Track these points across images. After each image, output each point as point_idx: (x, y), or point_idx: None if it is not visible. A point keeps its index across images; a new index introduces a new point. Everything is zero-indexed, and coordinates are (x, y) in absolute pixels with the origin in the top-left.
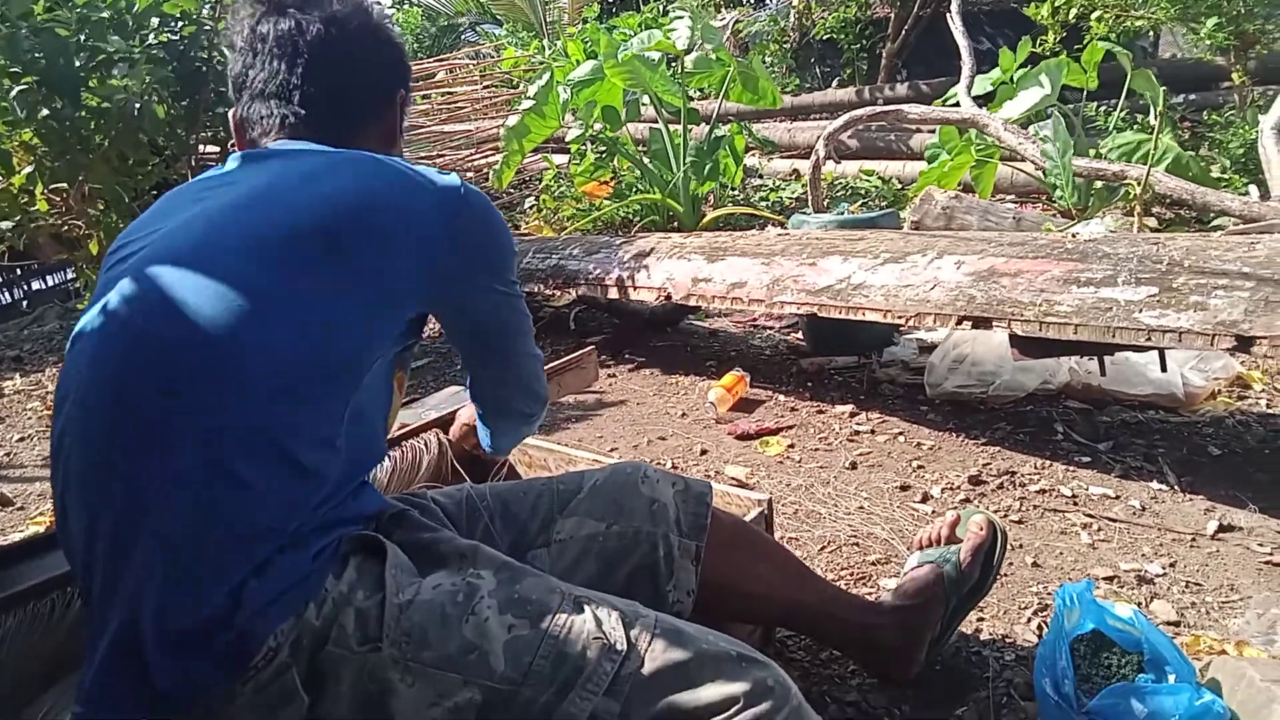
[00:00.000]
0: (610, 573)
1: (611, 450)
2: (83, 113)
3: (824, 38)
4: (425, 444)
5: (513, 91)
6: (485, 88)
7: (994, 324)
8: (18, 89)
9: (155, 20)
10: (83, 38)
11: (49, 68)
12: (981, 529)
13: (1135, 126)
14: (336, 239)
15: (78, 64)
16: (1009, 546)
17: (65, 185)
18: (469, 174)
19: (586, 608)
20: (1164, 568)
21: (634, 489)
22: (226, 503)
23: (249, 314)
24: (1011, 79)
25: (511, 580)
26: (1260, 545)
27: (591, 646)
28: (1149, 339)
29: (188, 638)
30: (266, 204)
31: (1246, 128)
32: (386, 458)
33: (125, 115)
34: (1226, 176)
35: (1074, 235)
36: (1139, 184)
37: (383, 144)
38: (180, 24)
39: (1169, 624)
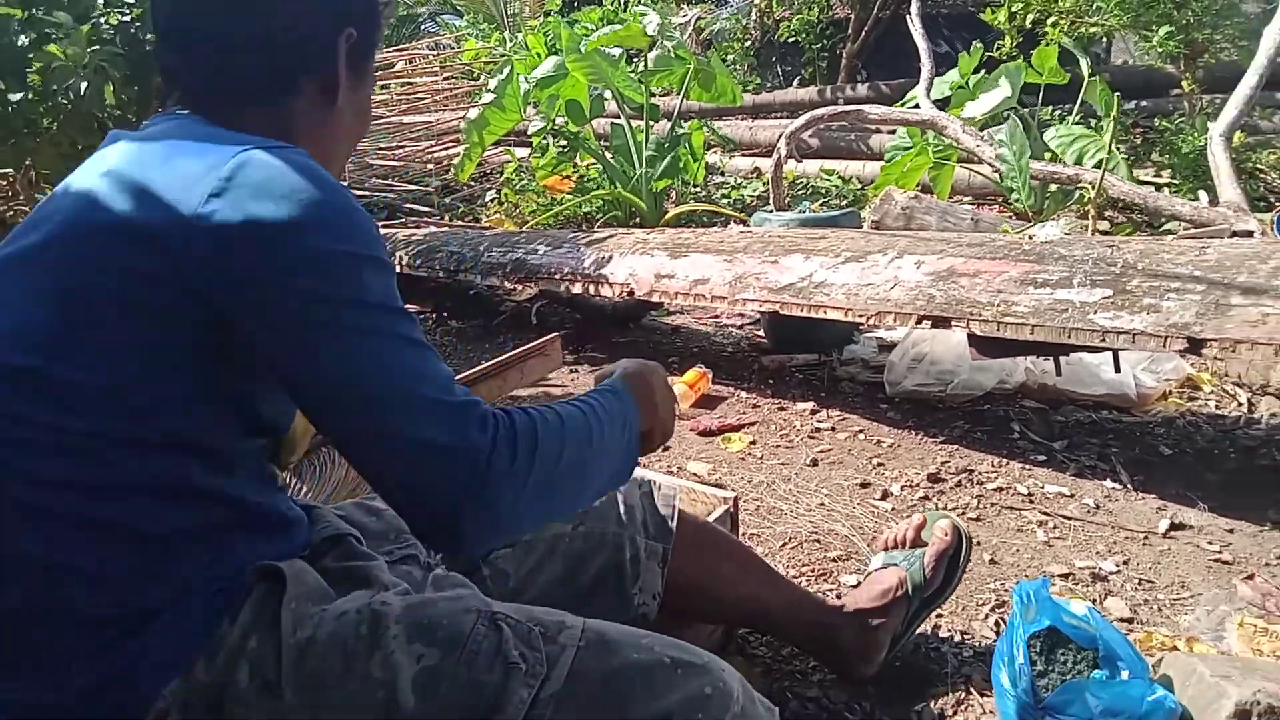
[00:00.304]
0: (576, 574)
1: None
2: (30, 95)
3: (787, 39)
4: None
5: (473, 84)
6: (446, 79)
7: (953, 323)
8: None
9: (102, 1)
10: (28, 14)
11: None
12: (947, 534)
13: (1084, 127)
14: (61, 256)
15: (23, 43)
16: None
17: (11, 170)
18: (429, 165)
19: (504, 627)
20: (1117, 565)
21: None
22: (47, 598)
23: (12, 373)
24: (968, 83)
25: (422, 604)
26: (1210, 543)
27: (509, 671)
28: (1103, 340)
29: (53, 715)
30: (33, 223)
31: (1196, 134)
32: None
33: (74, 97)
34: (1177, 182)
35: (1030, 237)
36: (1093, 188)
37: (321, 104)
38: (132, 6)
39: (1122, 620)
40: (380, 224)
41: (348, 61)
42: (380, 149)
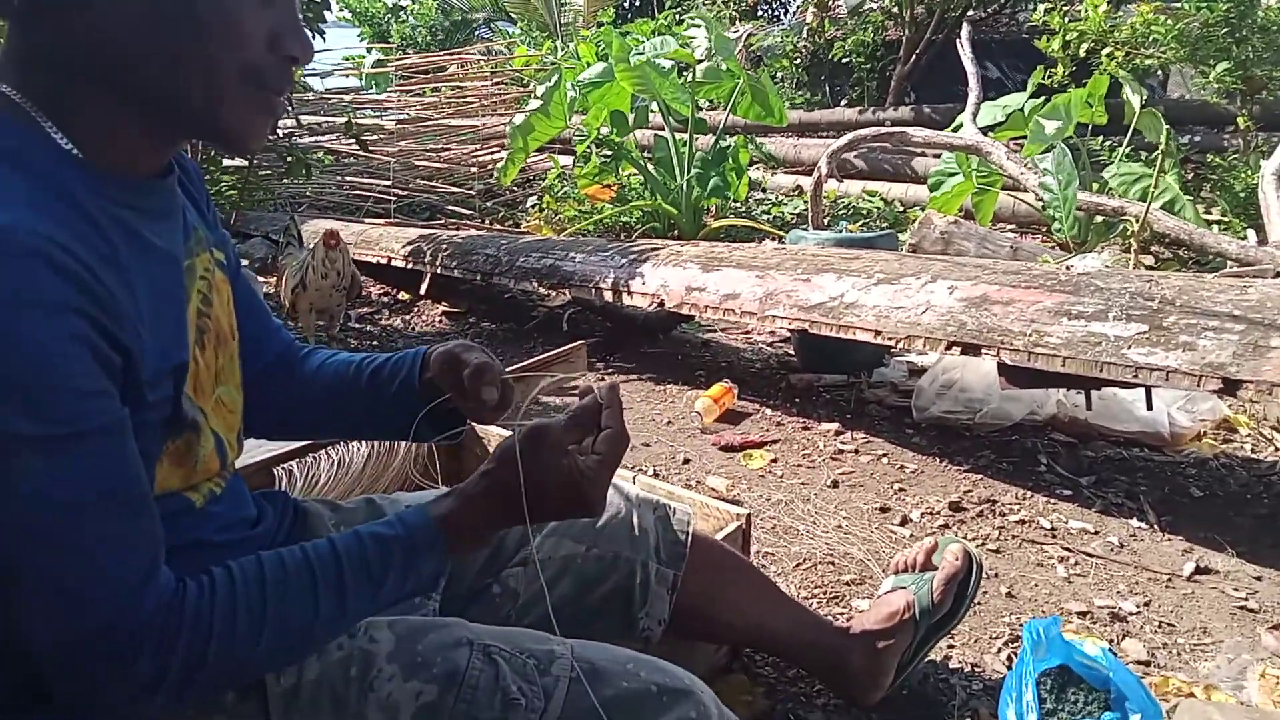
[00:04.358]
0: (585, 594)
1: None
2: None
3: (840, 59)
4: None
5: (522, 90)
6: (495, 84)
7: (983, 351)
8: None
9: None
10: None
11: None
12: (957, 559)
13: (1140, 163)
14: None
15: None
16: (985, 576)
17: None
18: (473, 168)
19: (498, 659)
20: (1138, 606)
21: (616, 512)
22: None
23: None
24: (1023, 109)
25: (411, 637)
26: (1235, 590)
27: (508, 706)
28: (1136, 376)
29: None
30: None
31: (1249, 172)
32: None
33: None
34: (1226, 219)
35: (1068, 268)
36: (1138, 221)
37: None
38: None
39: (1139, 663)
40: (421, 224)
41: None
42: (426, 150)
